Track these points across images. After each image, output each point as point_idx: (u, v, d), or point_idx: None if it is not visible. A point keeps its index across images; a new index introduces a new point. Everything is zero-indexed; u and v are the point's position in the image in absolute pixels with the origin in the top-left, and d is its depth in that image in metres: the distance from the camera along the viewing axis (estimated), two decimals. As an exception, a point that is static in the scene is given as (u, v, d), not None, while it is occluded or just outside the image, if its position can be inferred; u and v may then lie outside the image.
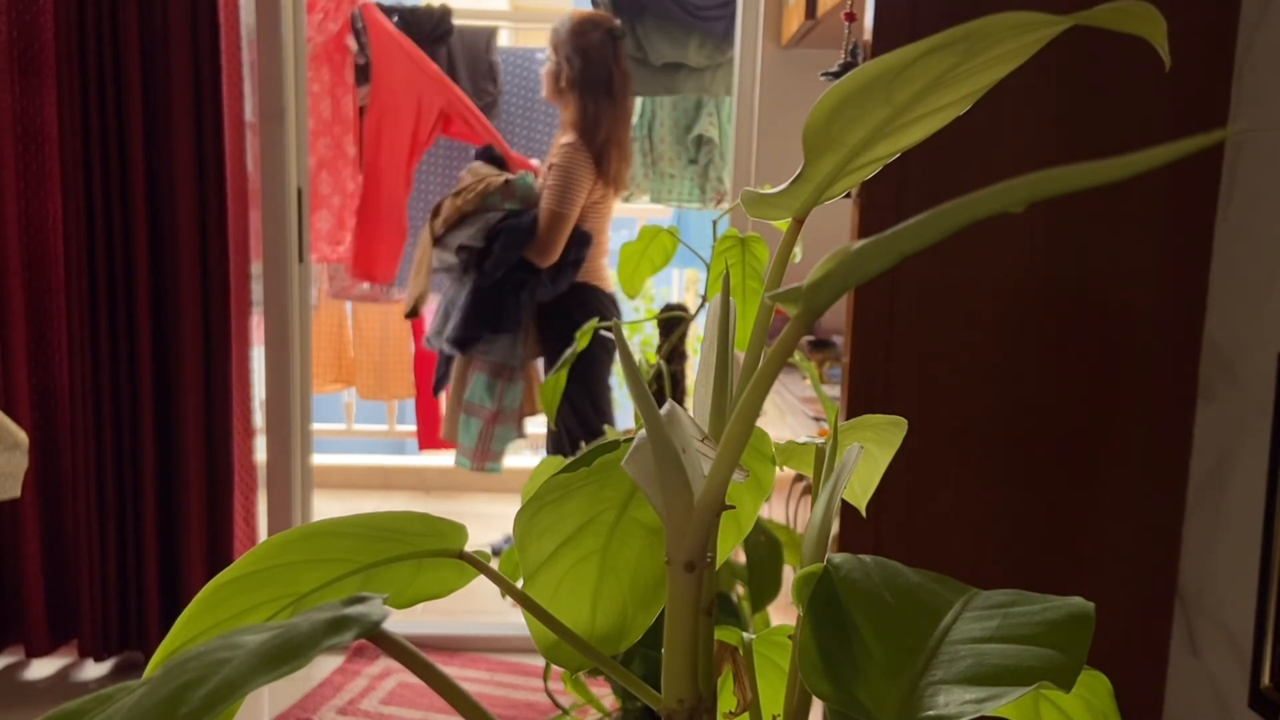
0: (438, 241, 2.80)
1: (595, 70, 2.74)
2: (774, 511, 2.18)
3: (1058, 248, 1.12)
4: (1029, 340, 1.14)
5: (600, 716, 1.42)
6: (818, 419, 1.72)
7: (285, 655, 0.29)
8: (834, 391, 1.96)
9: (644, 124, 3.30)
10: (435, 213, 2.85)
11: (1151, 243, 1.12)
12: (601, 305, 2.87)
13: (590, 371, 2.87)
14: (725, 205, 3.19)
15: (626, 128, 2.83)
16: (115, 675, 2.34)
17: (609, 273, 2.93)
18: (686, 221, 3.54)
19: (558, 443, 2.97)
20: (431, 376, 3.59)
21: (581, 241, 2.79)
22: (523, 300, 2.81)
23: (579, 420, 2.90)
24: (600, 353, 2.88)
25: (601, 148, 2.76)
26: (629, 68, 2.87)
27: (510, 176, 2.82)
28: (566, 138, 2.77)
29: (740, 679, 0.49)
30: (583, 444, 2.90)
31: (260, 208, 2.37)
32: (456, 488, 3.96)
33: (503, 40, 4.27)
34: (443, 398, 3.22)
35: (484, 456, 2.93)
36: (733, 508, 0.48)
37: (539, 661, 2.42)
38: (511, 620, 2.75)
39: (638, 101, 3.32)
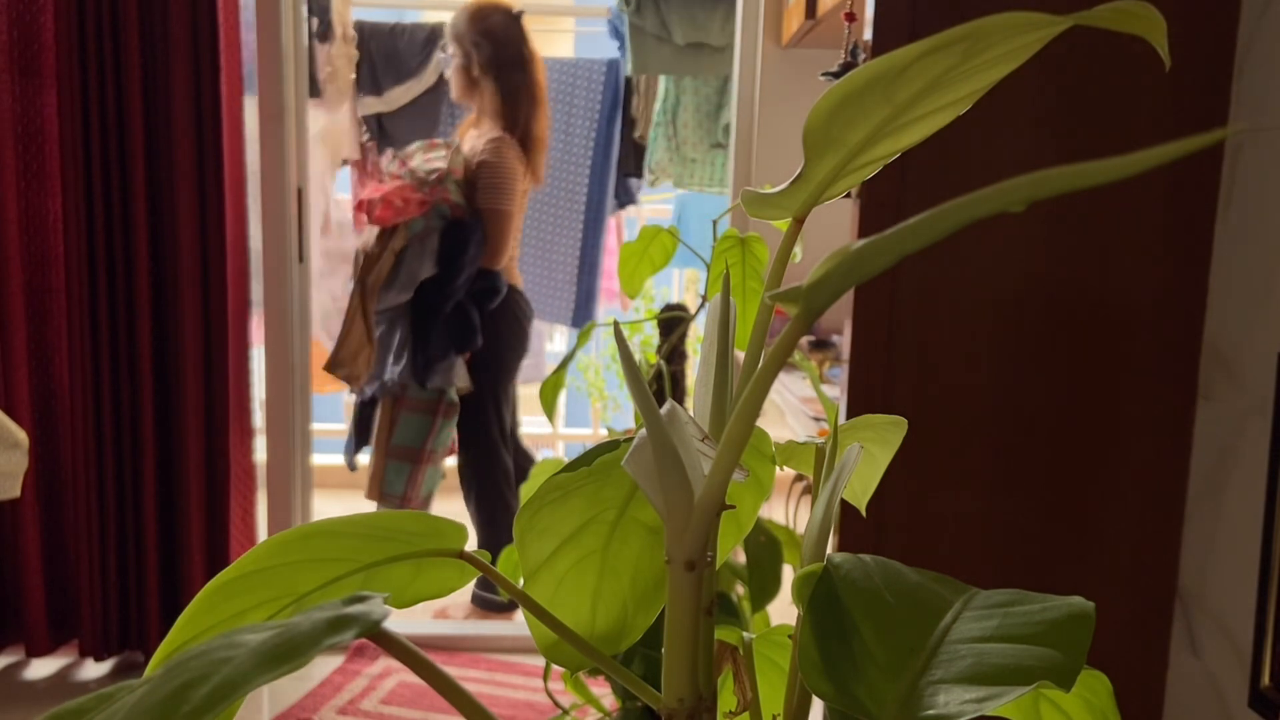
0: (389, 284, 2.62)
1: (505, 51, 2.66)
2: (774, 511, 2.18)
3: (1058, 248, 1.12)
4: (1029, 340, 1.14)
5: (600, 716, 1.42)
6: (818, 419, 1.72)
7: (286, 654, 0.29)
8: (834, 391, 1.96)
9: (667, 109, 3.24)
10: (366, 268, 2.63)
11: (1151, 243, 1.12)
12: (515, 305, 2.77)
13: (498, 364, 2.75)
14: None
15: (542, 112, 2.74)
16: (115, 675, 2.34)
17: (517, 270, 2.83)
18: (686, 221, 3.54)
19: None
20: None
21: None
22: (477, 309, 2.69)
23: (480, 425, 2.77)
24: (511, 347, 2.76)
25: (523, 133, 2.68)
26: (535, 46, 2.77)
27: (425, 199, 2.63)
28: (490, 131, 2.67)
29: (740, 679, 0.49)
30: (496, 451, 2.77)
31: (260, 207, 2.38)
32: (456, 488, 3.96)
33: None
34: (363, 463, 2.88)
35: (410, 504, 2.70)
36: (733, 507, 0.48)
37: (539, 661, 2.42)
38: (511, 620, 2.75)
39: (660, 85, 3.26)
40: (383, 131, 3.37)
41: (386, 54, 3.33)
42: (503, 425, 2.81)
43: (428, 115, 3.37)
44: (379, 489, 2.72)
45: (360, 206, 2.65)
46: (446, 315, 2.63)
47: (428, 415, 2.68)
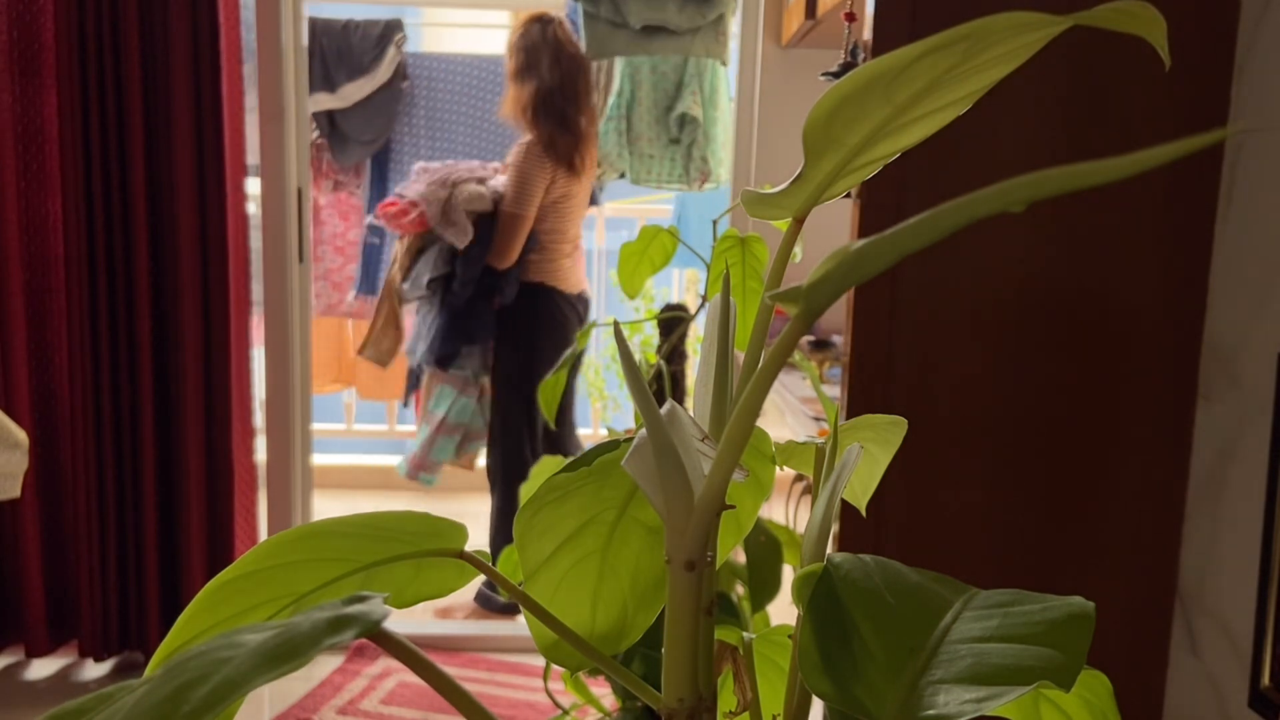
0: (405, 280, 2.81)
1: (530, 57, 2.73)
2: (774, 511, 2.18)
3: (1058, 248, 1.12)
4: (1029, 340, 1.14)
5: (600, 716, 1.42)
6: (818, 419, 1.72)
7: (286, 654, 0.29)
8: (834, 391, 1.96)
9: (621, 103, 3.17)
10: (394, 263, 2.91)
11: (1151, 243, 1.12)
12: (557, 308, 2.78)
13: (530, 365, 2.77)
14: (710, 185, 3.16)
15: (569, 107, 2.76)
16: (115, 675, 2.34)
17: (573, 273, 2.84)
18: (686, 221, 3.53)
19: (554, 445, 2.91)
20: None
21: (527, 243, 2.75)
22: (491, 305, 2.77)
23: (508, 424, 2.81)
24: (548, 350, 2.77)
25: (549, 131, 2.70)
26: (574, 49, 2.80)
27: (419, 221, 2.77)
28: (519, 142, 2.76)
29: (740, 679, 0.49)
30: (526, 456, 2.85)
31: (261, 207, 2.38)
32: (457, 488, 3.96)
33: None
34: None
35: (420, 465, 2.90)
36: (733, 507, 0.48)
37: (539, 661, 2.42)
38: (511, 620, 2.75)
39: (616, 79, 3.23)
40: (334, 128, 3.36)
41: (339, 50, 3.32)
42: (533, 427, 2.82)
43: (383, 112, 3.36)
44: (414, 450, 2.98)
45: (377, 212, 2.91)
46: (459, 310, 2.74)
47: (452, 389, 2.88)
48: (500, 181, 2.79)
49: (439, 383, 2.89)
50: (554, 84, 2.73)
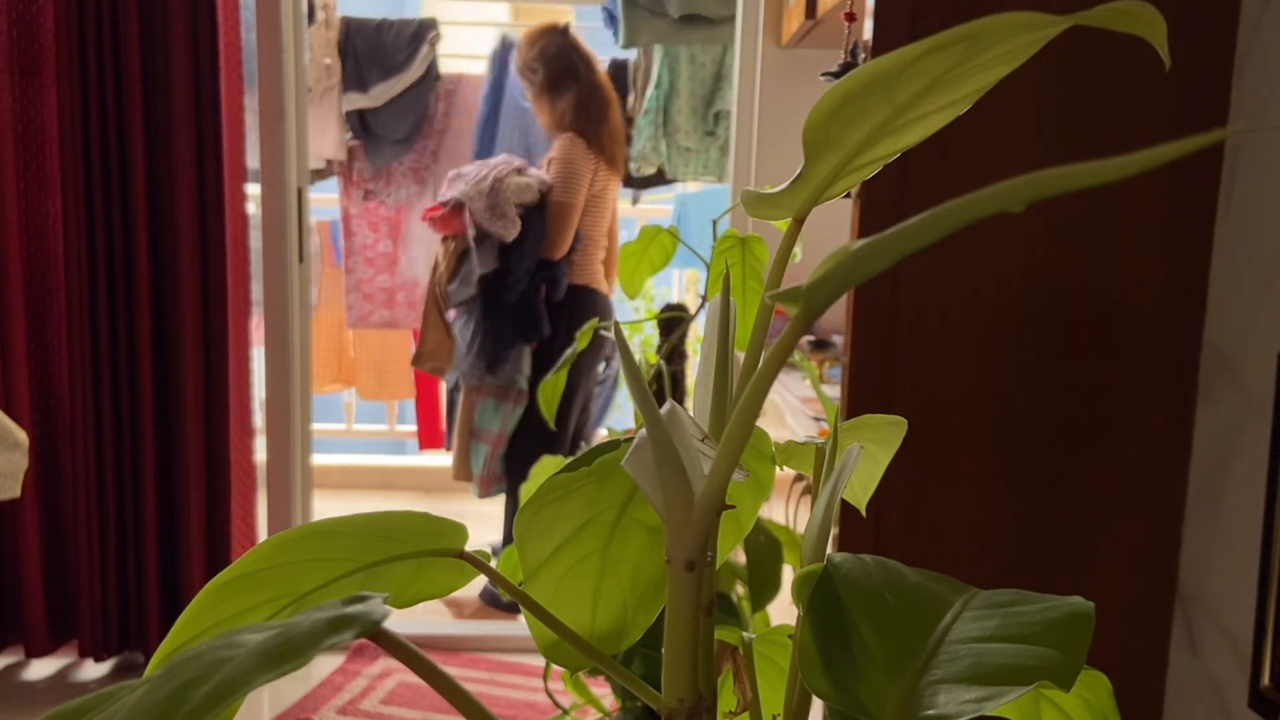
0: (451, 281, 2.81)
1: (558, 66, 2.76)
2: (774, 511, 2.18)
3: (1058, 248, 1.12)
4: (1029, 340, 1.14)
5: (600, 716, 1.42)
6: (818, 419, 1.72)
7: (286, 654, 0.29)
8: (834, 391, 1.96)
9: (660, 95, 3.20)
10: (435, 268, 2.91)
11: (1151, 243, 1.12)
12: (597, 309, 2.82)
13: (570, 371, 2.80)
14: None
15: (608, 106, 2.81)
16: (115, 675, 2.34)
17: (604, 273, 2.89)
18: (686, 221, 3.53)
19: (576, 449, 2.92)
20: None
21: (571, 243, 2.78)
22: (539, 302, 2.79)
23: (533, 421, 2.82)
24: (588, 355, 2.79)
25: (596, 128, 2.76)
26: (591, 52, 2.85)
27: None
28: (560, 136, 2.80)
29: (740, 678, 0.49)
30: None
31: (261, 207, 2.37)
32: (456, 488, 3.96)
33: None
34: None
35: (489, 481, 2.88)
36: (733, 507, 0.48)
37: (539, 661, 2.42)
38: (514, 620, 2.75)
39: (654, 71, 3.23)
40: (366, 128, 3.35)
41: (372, 50, 3.31)
42: (564, 429, 2.82)
43: (413, 110, 3.36)
44: (465, 469, 2.90)
45: (422, 216, 2.97)
46: (511, 307, 2.73)
47: (502, 401, 2.84)
48: (538, 173, 2.81)
49: (480, 397, 2.85)
50: (593, 84, 2.77)
